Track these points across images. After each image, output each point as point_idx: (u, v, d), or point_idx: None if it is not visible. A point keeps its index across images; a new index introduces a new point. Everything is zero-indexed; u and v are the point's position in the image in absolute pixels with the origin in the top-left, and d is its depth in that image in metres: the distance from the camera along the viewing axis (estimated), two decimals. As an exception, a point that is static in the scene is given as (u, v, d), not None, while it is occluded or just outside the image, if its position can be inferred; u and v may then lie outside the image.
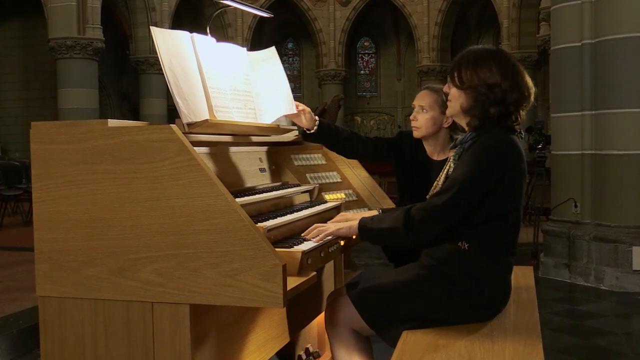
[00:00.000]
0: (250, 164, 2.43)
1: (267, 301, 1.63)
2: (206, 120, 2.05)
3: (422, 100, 2.89)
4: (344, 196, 2.78)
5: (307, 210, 2.30)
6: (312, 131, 2.61)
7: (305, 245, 1.91)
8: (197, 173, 1.68)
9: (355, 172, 2.99)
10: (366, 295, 2.18)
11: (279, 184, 2.54)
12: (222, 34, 19.47)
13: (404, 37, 23.65)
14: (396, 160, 3.05)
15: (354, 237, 2.21)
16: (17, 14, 18.34)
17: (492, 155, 2.03)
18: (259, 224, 1.86)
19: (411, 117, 2.93)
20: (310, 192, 2.63)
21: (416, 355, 1.88)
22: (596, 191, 5.75)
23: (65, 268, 1.81)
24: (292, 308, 2.42)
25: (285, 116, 2.56)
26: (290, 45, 24.64)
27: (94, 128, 1.78)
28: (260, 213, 2.14)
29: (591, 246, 5.72)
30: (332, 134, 2.69)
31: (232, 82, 2.31)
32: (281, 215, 2.11)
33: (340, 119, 18.92)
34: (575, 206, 5.88)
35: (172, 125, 1.75)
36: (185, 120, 2.01)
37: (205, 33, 2.32)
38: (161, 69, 2.01)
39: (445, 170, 2.19)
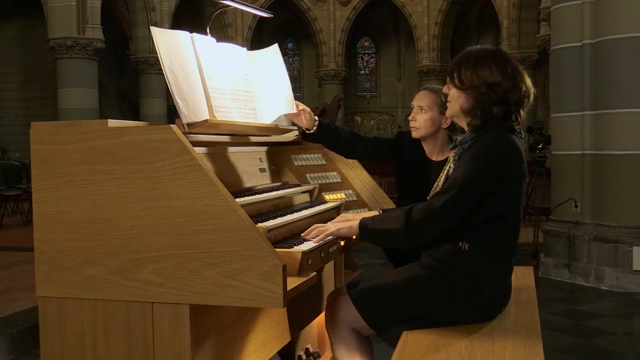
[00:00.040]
0: (250, 164, 2.43)
1: (267, 301, 1.63)
2: (206, 121, 2.04)
3: (421, 100, 2.89)
4: (344, 196, 2.78)
5: (307, 210, 2.30)
6: (311, 131, 2.61)
7: (306, 246, 1.91)
8: (197, 173, 1.68)
9: (355, 172, 2.99)
10: (366, 295, 2.18)
11: (279, 184, 2.54)
12: (222, 34, 19.47)
13: (404, 37, 23.65)
14: (395, 160, 3.04)
15: (354, 237, 2.21)
16: (17, 14, 18.34)
17: (491, 155, 2.02)
18: (259, 224, 1.86)
19: (410, 118, 2.93)
20: (310, 192, 2.63)
21: (416, 356, 1.88)
22: (596, 191, 5.74)
23: (65, 268, 1.81)
24: (292, 308, 2.42)
25: (285, 116, 2.56)
26: (290, 45, 24.63)
27: (94, 128, 1.77)
28: (260, 213, 2.14)
29: (591, 246, 5.71)
30: (332, 134, 2.69)
31: (232, 82, 2.31)
32: (281, 216, 2.11)
33: (340, 119, 18.92)
34: (576, 206, 5.88)
35: (172, 126, 1.75)
36: (185, 121, 2.01)
37: (205, 33, 2.31)
38: (161, 69, 2.01)
39: (445, 170, 2.19)
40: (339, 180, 2.87)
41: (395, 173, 3.10)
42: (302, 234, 2.06)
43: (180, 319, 1.73)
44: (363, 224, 2.13)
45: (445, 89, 2.20)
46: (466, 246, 2.06)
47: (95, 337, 1.82)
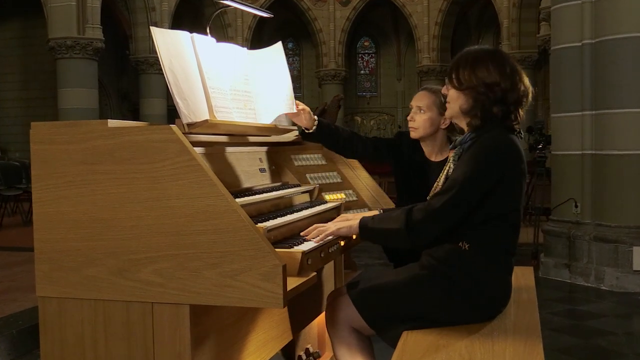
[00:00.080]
0: (250, 164, 2.43)
1: (267, 301, 1.63)
2: (206, 121, 2.04)
3: (420, 101, 2.89)
4: (344, 196, 2.78)
5: (307, 210, 2.30)
6: (310, 130, 2.61)
7: (306, 246, 1.91)
8: (197, 173, 1.68)
9: (355, 172, 2.99)
10: (366, 295, 2.18)
11: (279, 184, 2.54)
12: (222, 34, 19.47)
13: (404, 37, 23.64)
14: (395, 160, 3.04)
15: (354, 237, 2.21)
16: (17, 14, 18.35)
17: (491, 155, 2.03)
18: (259, 225, 1.86)
19: (408, 118, 2.92)
20: (310, 192, 2.63)
21: (416, 356, 1.88)
22: (596, 191, 5.74)
23: (65, 268, 1.81)
24: (292, 308, 2.42)
25: (286, 115, 2.56)
26: (290, 45, 24.62)
27: (94, 128, 1.77)
28: (260, 213, 2.14)
29: (591, 246, 5.71)
30: (332, 133, 2.69)
31: (232, 82, 2.31)
32: (281, 216, 2.11)
33: (340, 119, 18.92)
34: (576, 206, 5.88)
35: (172, 126, 1.75)
36: (185, 121, 2.01)
37: (205, 33, 2.31)
38: (161, 69, 2.01)
39: (445, 170, 2.19)
40: (339, 180, 2.87)
41: (395, 173, 3.10)
42: (302, 234, 2.06)
43: (180, 319, 1.73)
44: (363, 223, 2.13)
45: (444, 90, 2.20)
46: (466, 246, 2.06)
47: (95, 338, 1.82)
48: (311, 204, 2.49)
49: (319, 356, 2.87)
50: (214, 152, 2.20)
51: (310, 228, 2.09)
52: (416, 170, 2.95)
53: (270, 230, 1.91)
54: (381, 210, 2.54)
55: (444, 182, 2.14)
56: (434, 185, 2.23)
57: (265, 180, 2.48)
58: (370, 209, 2.75)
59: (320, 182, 2.73)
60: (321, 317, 2.76)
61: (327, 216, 2.42)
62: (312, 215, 2.29)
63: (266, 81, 2.50)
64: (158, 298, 1.73)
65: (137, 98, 18.28)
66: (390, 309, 2.14)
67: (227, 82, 2.27)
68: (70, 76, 13.44)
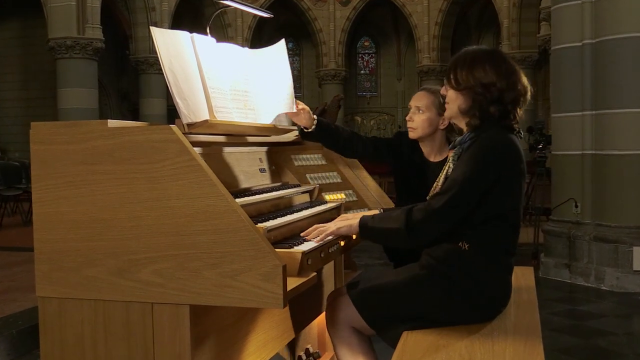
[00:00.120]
0: (250, 164, 2.43)
1: (267, 302, 1.63)
2: (206, 121, 2.04)
3: (419, 101, 2.88)
4: (344, 196, 2.78)
5: (307, 210, 2.30)
6: (310, 130, 2.61)
7: (306, 246, 1.91)
8: (197, 173, 1.67)
9: (355, 172, 2.99)
10: (366, 295, 2.18)
11: (279, 184, 2.54)
12: (222, 34, 19.47)
13: (404, 37, 23.65)
14: (394, 160, 3.04)
15: (354, 236, 2.21)
16: (17, 14, 18.34)
17: (489, 155, 2.03)
18: (259, 225, 1.85)
19: (407, 118, 2.92)
20: (310, 192, 2.63)
21: (416, 356, 1.88)
22: (596, 191, 5.74)
23: (65, 269, 1.81)
24: (292, 308, 2.42)
25: (286, 114, 2.56)
26: (290, 45, 24.60)
27: (94, 128, 1.77)
28: (260, 213, 2.14)
29: (591, 246, 5.71)
30: (331, 133, 2.69)
31: (232, 82, 2.31)
32: (281, 216, 2.11)
33: (340, 119, 18.91)
34: (576, 206, 5.88)
35: (172, 126, 1.74)
36: (185, 121, 2.00)
37: (205, 33, 2.31)
38: (161, 69, 2.01)
39: (445, 170, 2.19)
40: (339, 180, 2.87)
41: (394, 173, 3.10)
42: (302, 234, 2.06)
43: (180, 320, 1.73)
44: (363, 222, 2.13)
45: (443, 91, 2.20)
46: (466, 246, 2.06)
47: (95, 338, 1.81)
48: (311, 204, 2.49)
49: (319, 356, 2.87)
50: (214, 152, 2.20)
51: (311, 228, 2.09)
52: (415, 171, 2.95)
53: (270, 230, 1.91)
54: (381, 210, 2.54)
55: (444, 182, 2.14)
56: (434, 185, 2.23)
57: (265, 180, 2.48)
58: (370, 209, 2.75)
59: (320, 182, 2.72)
60: (321, 317, 2.76)
61: (327, 216, 2.42)
62: (312, 216, 2.29)
63: (267, 81, 2.50)
64: (158, 298, 1.73)
65: (137, 98, 18.28)
66: (390, 309, 2.14)
67: (227, 82, 2.27)
68: (70, 76, 13.43)
